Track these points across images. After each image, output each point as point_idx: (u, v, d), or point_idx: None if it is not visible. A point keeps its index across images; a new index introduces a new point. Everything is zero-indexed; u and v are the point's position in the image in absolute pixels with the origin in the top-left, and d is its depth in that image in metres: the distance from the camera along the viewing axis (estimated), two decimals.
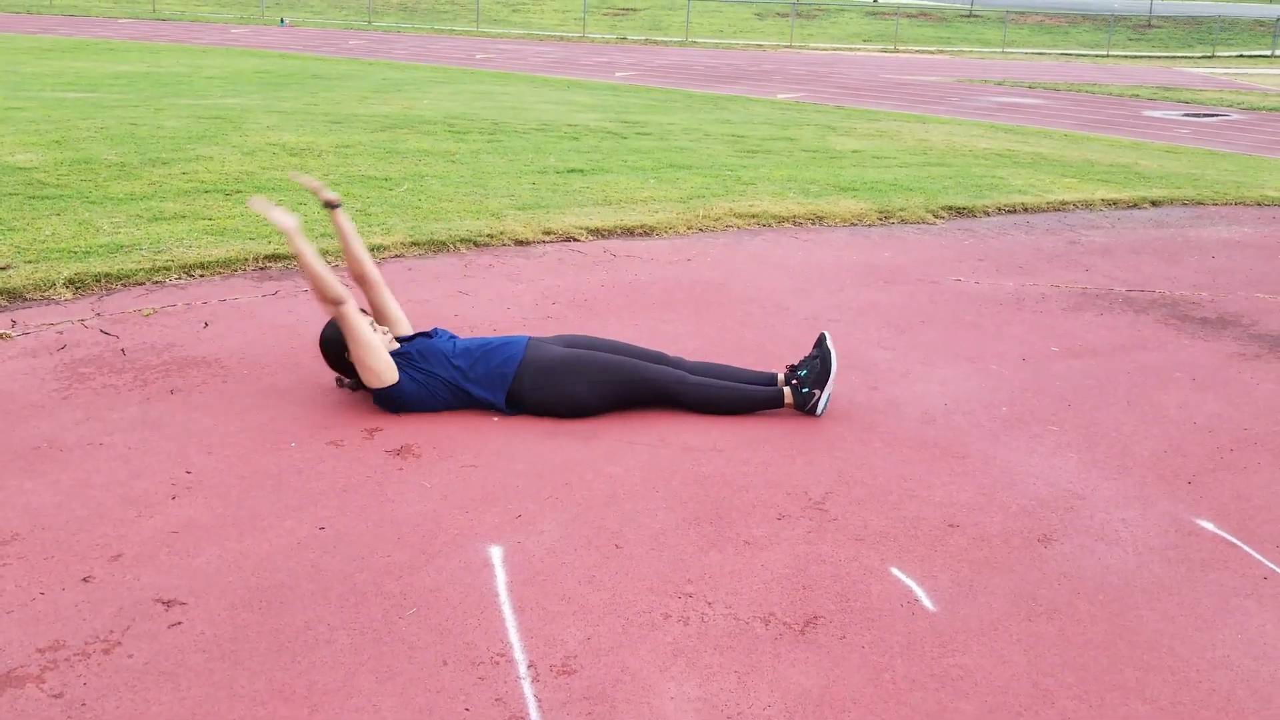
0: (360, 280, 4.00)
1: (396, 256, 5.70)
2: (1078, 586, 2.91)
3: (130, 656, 2.41)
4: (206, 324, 4.57)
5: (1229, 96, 20.78)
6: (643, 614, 2.67)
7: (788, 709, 2.35)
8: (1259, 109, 18.64)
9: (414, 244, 5.90)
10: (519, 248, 6.10)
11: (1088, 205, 8.38)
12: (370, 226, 6.17)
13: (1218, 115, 17.36)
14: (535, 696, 2.34)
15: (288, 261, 5.46)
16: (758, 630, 2.63)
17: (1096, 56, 35.34)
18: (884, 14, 43.54)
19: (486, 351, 3.84)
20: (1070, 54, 35.91)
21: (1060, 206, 8.26)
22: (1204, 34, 41.29)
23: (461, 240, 6.04)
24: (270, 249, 5.54)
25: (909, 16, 42.64)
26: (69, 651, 2.41)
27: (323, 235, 5.80)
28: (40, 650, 2.41)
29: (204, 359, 4.19)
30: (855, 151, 10.34)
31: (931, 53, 33.91)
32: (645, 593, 2.76)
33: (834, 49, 33.93)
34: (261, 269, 5.35)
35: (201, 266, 5.24)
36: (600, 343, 4.04)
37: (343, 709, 2.28)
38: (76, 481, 3.18)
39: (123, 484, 3.18)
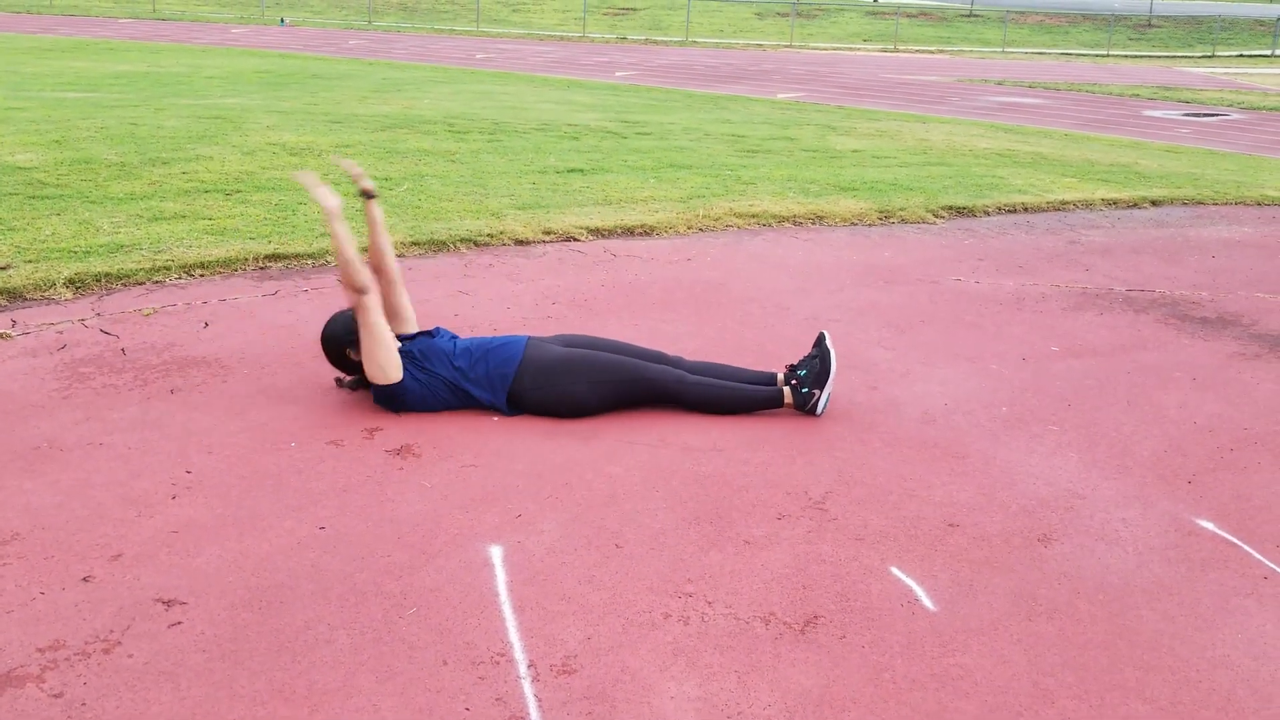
0: (379, 273, 3.92)
1: (396, 256, 5.68)
2: (1078, 586, 2.91)
3: (130, 656, 2.41)
4: (206, 324, 4.57)
5: (1229, 96, 20.77)
6: (643, 614, 2.67)
7: (788, 709, 2.35)
8: (1259, 109, 18.64)
9: (414, 244, 5.90)
10: (519, 247, 6.11)
11: (1088, 205, 8.38)
12: None
13: (1218, 115, 17.36)
14: (535, 696, 2.34)
15: (287, 261, 5.46)
16: (758, 630, 2.63)
17: (1097, 56, 35.34)
18: (884, 14, 43.53)
19: (486, 352, 3.84)
20: (1070, 54, 35.91)
21: (1060, 206, 8.26)
22: (1204, 34, 41.29)
23: (461, 240, 6.04)
24: (270, 249, 5.54)
25: (909, 16, 42.64)
26: (69, 651, 2.41)
27: (323, 232, 5.80)
28: (40, 650, 2.41)
29: (204, 359, 4.19)
30: (855, 151, 10.34)
31: (931, 52, 33.91)
32: (645, 592, 2.76)
33: (834, 49, 33.92)
34: (261, 269, 5.35)
35: (201, 266, 5.24)
36: (600, 342, 4.04)
37: (343, 709, 2.28)
38: (76, 481, 3.18)
39: (123, 484, 3.18)
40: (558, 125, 10.99)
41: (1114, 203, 8.51)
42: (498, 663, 2.45)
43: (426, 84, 15.27)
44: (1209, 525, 3.30)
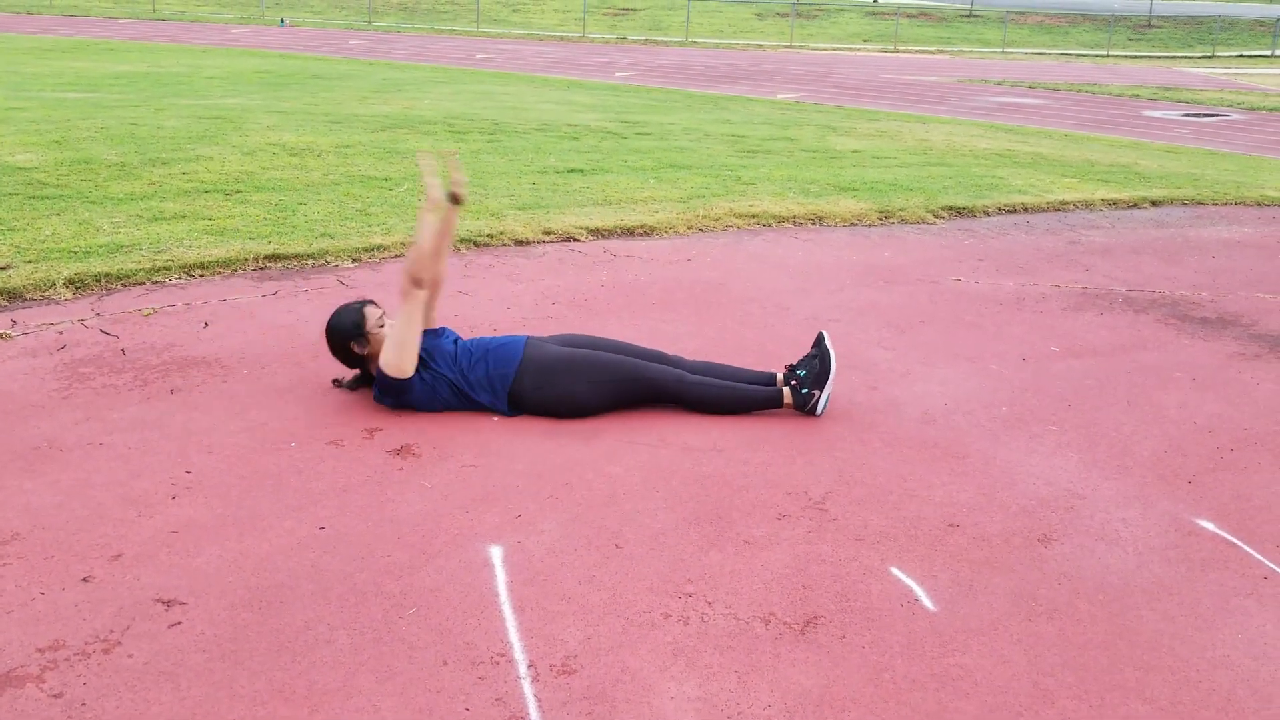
0: (420, 283, 3.84)
1: (397, 256, 5.70)
2: (1078, 586, 2.90)
3: (130, 656, 2.41)
4: (206, 324, 4.57)
5: (1229, 96, 20.78)
6: (643, 614, 2.67)
7: (788, 709, 2.35)
8: (1259, 109, 18.64)
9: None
10: (519, 247, 6.11)
11: (1088, 205, 8.38)
12: (370, 226, 6.17)
13: (1218, 115, 17.36)
14: (535, 696, 2.34)
15: (287, 262, 5.46)
16: (758, 630, 2.62)
17: (1096, 56, 35.35)
18: (884, 14, 43.54)
19: (486, 352, 3.84)
20: (1070, 54, 35.91)
21: (1060, 206, 8.26)
22: (1204, 34, 41.30)
23: (461, 240, 6.04)
24: (270, 249, 5.54)
25: (909, 16, 42.64)
26: (69, 651, 2.41)
27: (318, 232, 5.80)
28: (40, 650, 2.41)
29: (204, 359, 4.19)
30: (855, 151, 10.34)
31: (931, 53, 33.91)
32: (645, 592, 2.76)
33: (834, 49, 33.93)
34: (261, 269, 5.35)
35: (201, 266, 5.24)
36: (600, 342, 4.04)
37: (343, 709, 2.28)
38: (76, 481, 3.18)
39: (123, 484, 3.18)
40: (558, 125, 10.99)
41: (1114, 203, 8.51)
42: (498, 663, 2.45)
43: (426, 84, 15.27)
44: (1209, 525, 3.30)
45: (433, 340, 3.85)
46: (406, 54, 22.14)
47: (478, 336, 4.05)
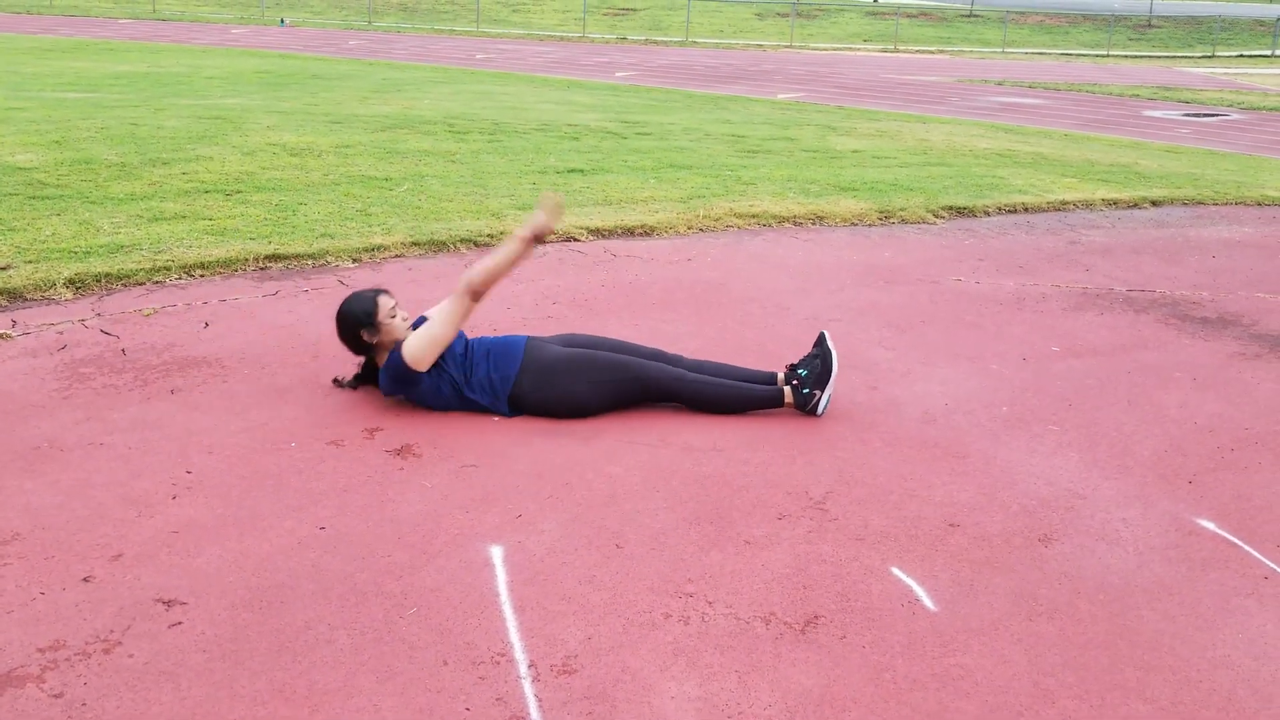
0: (477, 296, 3.78)
1: (397, 256, 5.70)
2: (1078, 586, 2.90)
3: (131, 656, 2.41)
4: (207, 324, 4.57)
5: (1229, 96, 20.78)
6: (643, 614, 2.67)
7: (788, 709, 2.35)
8: (1259, 109, 18.64)
9: (414, 244, 5.90)
10: None
11: (1088, 205, 8.38)
12: (370, 226, 6.17)
13: (1218, 115, 17.36)
14: (536, 696, 2.34)
15: (288, 262, 5.46)
16: (758, 630, 2.62)
17: (1097, 56, 35.35)
18: (884, 14, 43.55)
19: (486, 352, 3.84)
20: (1070, 54, 35.91)
21: (1060, 206, 8.26)
22: (1204, 34, 41.30)
23: (462, 240, 6.04)
24: (270, 249, 5.54)
25: (909, 16, 42.65)
26: (69, 651, 2.41)
27: (317, 233, 5.80)
28: (41, 650, 2.41)
29: (204, 359, 4.19)
30: (855, 151, 10.34)
31: (932, 53, 33.91)
32: (646, 592, 2.76)
33: (834, 49, 33.93)
34: (262, 269, 5.35)
35: (202, 266, 5.24)
36: (600, 341, 4.04)
37: (343, 709, 2.28)
38: (77, 481, 3.18)
39: (123, 484, 3.18)
40: (558, 125, 10.99)
41: (1114, 203, 8.51)
42: (498, 663, 2.45)
43: (426, 84, 15.27)
44: (1209, 525, 3.29)
45: None
46: (406, 54, 22.14)
47: (479, 336, 4.05)
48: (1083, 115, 15.96)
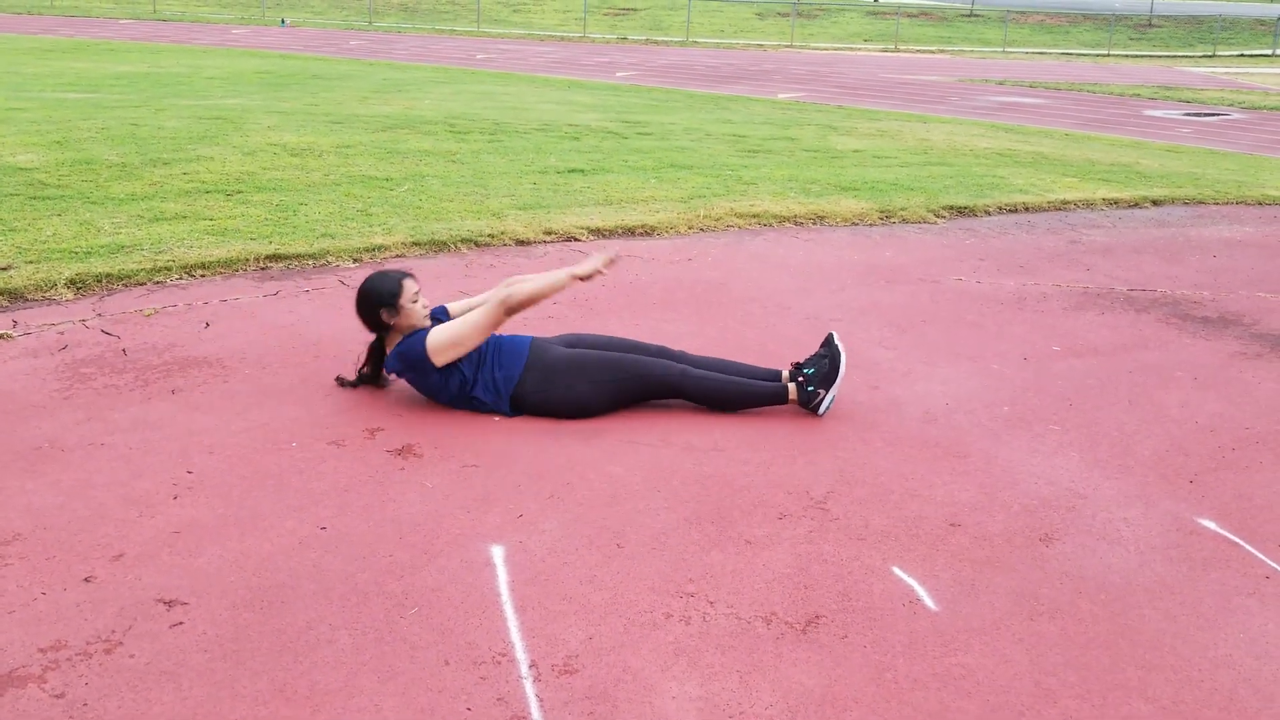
0: (518, 310, 3.83)
1: (397, 257, 5.70)
2: (1079, 586, 2.90)
3: (132, 656, 2.41)
4: (208, 324, 4.57)
5: (1230, 96, 20.77)
6: (644, 613, 2.67)
7: (790, 708, 2.35)
8: (1260, 108, 18.63)
9: (415, 244, 5.90)
10: (520, 248, 6.11)
11: (1089, 204, 8.38)
12: (371, 227, 6.17)
13: (1219, 114, 17.35)
14: (537, 696, 2.34)
15: (288, 262, 5.46)
16: (759, 630, 2.62)
17: (1097, 56, 35.33)
18: (885, 14, 43.54)
19: (492, 351, 3.84)
20: (1071, 53, 35.90)
21: (1061, 206, 8.26)
22: (1205, 33, 41.29)
23: (462, 240, 6.05)
24: (271, 249, 5.54)
25: (910, 16, 42.65)
26: (70, 651, 2.41)
27: (312, 233, 5.79)
28: (42, 650, 2.41)
29: (205, 359, 4.19)
30: (856, 151, 10.34)
31: (932, 52, 33.90)
32: (647, 592, 2.76)
33: (835, 49, 33.92)
34: (262, 269, 5.35)
35: (202, 267, 5.25)
36: (603, 340, 4.04)
37: (344, 709, 2.28)
38: (78, 481, 3.18)
39: (124, 484, 3.18)
40: (558, 125, 10.99)
41: (1115, 202, 8.51)
42: (499, 663, 2.45)
43: (427, 84, 15.27)
44: (1211, 525, 3.29)
45: None
46: (407, 54, 22.15)
47: None
48: (1083, 115, 15.95)
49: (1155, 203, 8.63)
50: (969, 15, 44.32)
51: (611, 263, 3.89)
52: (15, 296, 4.72)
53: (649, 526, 3.09)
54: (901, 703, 2.39)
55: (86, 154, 7.77)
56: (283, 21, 32.60)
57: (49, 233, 5.63)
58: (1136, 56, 35.84)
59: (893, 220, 7.38)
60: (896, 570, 2.93)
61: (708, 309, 5.19)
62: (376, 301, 3.77)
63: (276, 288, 5.10)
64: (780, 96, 16.59)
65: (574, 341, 4.01)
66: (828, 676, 2.46)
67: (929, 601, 2.79)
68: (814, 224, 7.14)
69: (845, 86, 19.23)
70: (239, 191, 6.86)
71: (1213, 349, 5.01)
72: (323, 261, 5.51)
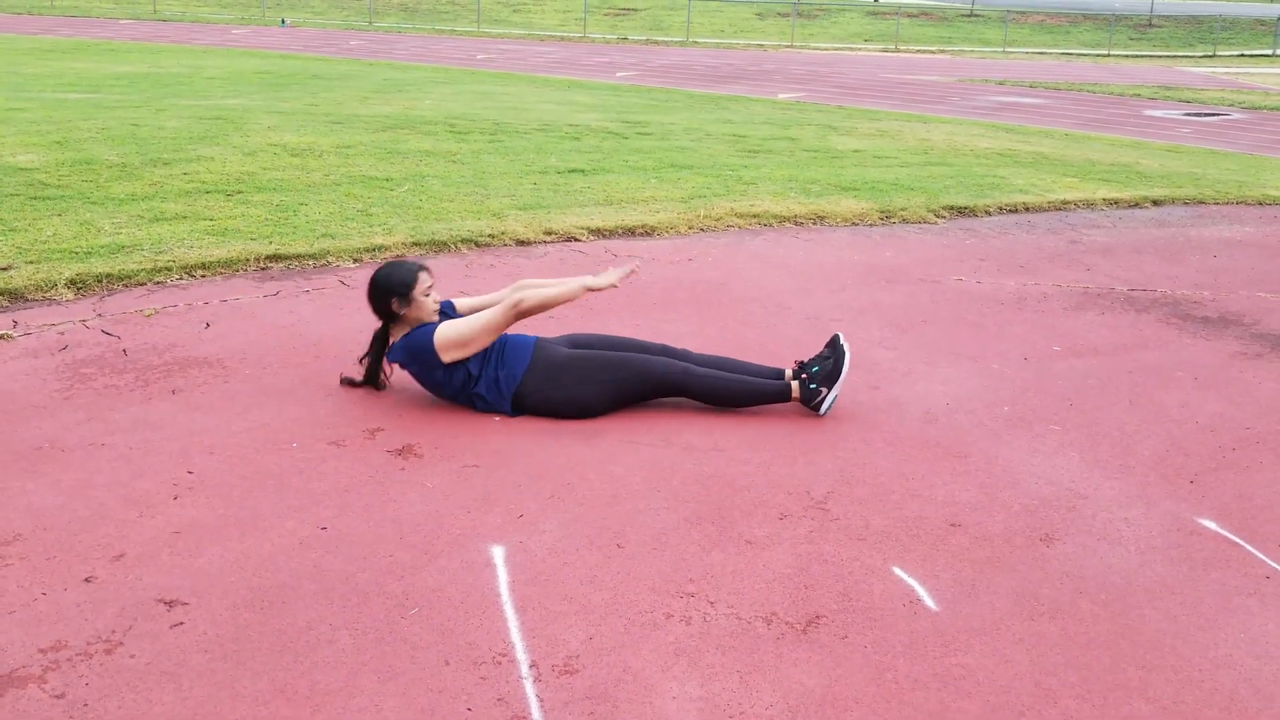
0: (529, 314, 3.84)
1: (398, 257, 5.70)
2: (1080, 586, 2.90)
3: (132, 657, 2.41)
4: (208, 324, 4.57)
5: (1230, 96, 20.77)
6: (645, 614, 2.67)
7: (790, 709, 2.35)
8: (1260, 108, 18.63)
9: (415, 244, 5.90)
10: (520, 248, 6.11)
11: (1089, 205, 8.37)
12: (371, 227, 6.17)
13: (1219, 114, 17.35)
14: (537, 696, 2.34)
15: (289, 262, 5.47)
16: (760, 630, 2.62)
17: (1097, 56, 35.33)
18: (885, 14, 43.54)
19: (497, 350, 3.84)
20: (1071, 53, 35.90)
21: (1061, 206, 8.26)
22: (1205, 33, 41.29)
23: (463, 240, 6.05)
24: (271, 249, 5.54)
25: (910, 16, 42.65)
26: (71, 652, 2.41)
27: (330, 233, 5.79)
28: (42, 650, 2.41)
29: (205, 359, 4.19)
30: (856, 151, 10.34)
31: (932, 52, 33.90)
32: (647, 592, 2.76)
33: (835, 49, 33.93)
34: (263, 269, 5.35)
35: (203, 267, 5.25)
36: (606, 340, 4.04)
37: (345, 709, 2.28)
38: (78, 482, 3.18)
39: (124, 484, 3.18)
40: (559, 125, 10.99)
41: (1115, 202, 8.51)
42: (499, 663, 2.45)
43: (427, 84, 15.27)
44: (1211, 525, 3.29)
45: None
46: (407, 54, 22.15)
47: None
48: (1083, 115, 15.95)
49: (1155, 203, 8.63)
50: (969, 15, 44.32)
51: (626, 276, 3.89)
52: (15, 296, 4.72)
53: (649, 527, 3.09)
54: (902, 703, 2.39)
55: (87, 154, 7.77)
56: (283, 22, 32.61)
57: (49, 233, 5.63)
58: (1136, 56, 35.84)
59: (893, 220, 7.38)
60: (897, 570, 2.93)
61: (708, 309, 5.19)
62: (389, 291, 3.77)
63: (277, 288, 5.10)
64: (780, 96, 16.59)
65: (576, 342, 4.01)
66: (828, 677, 2.46)
67: (929, 601, 2.79)
68: (814, 224, 7.14)
69: (845, 86, 19.23)
70: (239, 192, 6.86)
71: (1213, 349, 5.01)
72: (323, 262, 5.52)
